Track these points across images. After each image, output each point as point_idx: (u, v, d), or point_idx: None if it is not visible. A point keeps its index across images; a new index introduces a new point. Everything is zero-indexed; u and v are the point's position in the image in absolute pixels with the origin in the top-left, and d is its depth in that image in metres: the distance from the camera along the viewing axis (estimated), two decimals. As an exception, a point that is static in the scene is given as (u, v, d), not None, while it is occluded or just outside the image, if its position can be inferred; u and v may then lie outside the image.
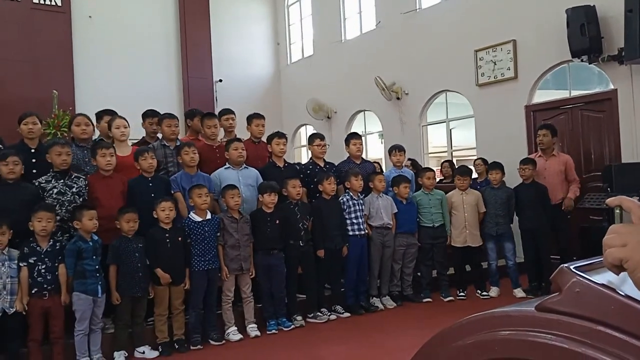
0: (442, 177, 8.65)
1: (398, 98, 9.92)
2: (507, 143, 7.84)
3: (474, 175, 7.37)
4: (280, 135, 5.62)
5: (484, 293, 6.02)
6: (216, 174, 5.22)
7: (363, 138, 11.29)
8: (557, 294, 0.94)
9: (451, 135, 9.62)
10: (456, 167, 8.30)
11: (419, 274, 6.09)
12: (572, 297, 0.90)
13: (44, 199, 4.26)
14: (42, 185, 4.34)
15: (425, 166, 7.73)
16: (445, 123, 9.61)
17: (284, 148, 5.62)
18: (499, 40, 8.12)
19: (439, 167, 9.13)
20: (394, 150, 6.34)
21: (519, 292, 5.94)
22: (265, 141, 5.80)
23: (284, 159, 5.68)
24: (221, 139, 5.86)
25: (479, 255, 6.15)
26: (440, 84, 9.26)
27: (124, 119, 5.19)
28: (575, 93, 7.48)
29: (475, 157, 8.13)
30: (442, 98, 9.54)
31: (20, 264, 3.95)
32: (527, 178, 6.02)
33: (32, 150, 4.58)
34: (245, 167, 5.30)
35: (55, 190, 4.36)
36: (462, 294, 5.99)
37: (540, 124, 6.81)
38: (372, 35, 10.82)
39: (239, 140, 5.44)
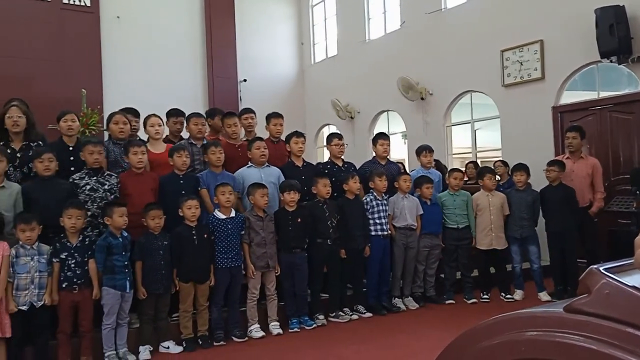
0: (467, 178, 8.58)
1: (422, 98, 9.86)
2: (534, 144, 7.74)
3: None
4: (298, 134, 5.64)
5: (508, 296, 5.95)
6: (239, 172, 5.27)
7: (389, 139, 11.35)
8: (585, 295, 0.93)
9: (476, 136, 9.53)
10: (480, 168, 8.23)
11: (442, 275, 6.06)
12: (602, 299, 0.90)
13: (77, 196, 4.36)
14: (75, 182, 4.44)
15: (453, 167, 7.65)
16: (469, 124, 9.52)
17: (303, 147, 5.64)
18: (526, 40, 8.02)
19: (464, 168, 9.05)
20: (424, 150, 6.30)
21: (544, 296, 5.86)
22: (284, 140, 5.82)
23: (303, 158, 5.70)
24: (241, 139, 5.91)
25: (503, 257, 6.08)
26: (465, 84, 9.19)
27: (159, 117, 5.28)
28: (604, 94, 7.35)
29: (499, 159, 8.06)
30: (467, 98, 9.46)
31: (53, 260, 4.04)
32: (553, 180, 5.93)
33: (70, 148, 4.68)
34: (267, 165, 5.35)
35: (88, 187, 4.46)
36: (485, 296, 5.93)
37: (569, 126, 6.69)
38: (396, 35, 10.78)
39: (261, 139, 5.49)
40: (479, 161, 9.24)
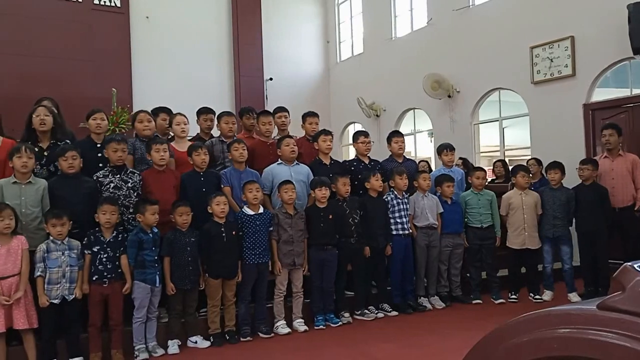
0: (495, 177, 8.47)
1: (449, 96, 9.77)
2: (564, 143, 7.60)
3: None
4: (326, 132, 5.66)
5: (537, 296, 5.86)
6: (269, 169, 5.32)
7: (412, 136, 11.31)
8: (619, 292, 0.92)
9: (504, 134, 9.40)
10: (509, 167, 8.12)
11: (468, 275, 6.00)
12: (636, 296, 0.89)
13: (101, 193, 4.45)
14: (100, 179, 4.53)
15: (477, 166, 7.58)
16: (497, 122, 9.40)
17: (331, 145, 5.66)
18: (556, 37, 7.87)
19: (491, 167, 8.94)
20: (445, 149, 6.25)
21: (574, 297, 5.75)
22: (314, 138, 5.85)
23: (330, 156, 5.71)
24: (274, 137, 5.97)
25: (535, 257, 5.98)
26: (494, 81, 9.07)
27: (184, 115, 5.37)
28: (636, 91, 7.17)
29: (529, 157, 7.93)
30: (495, 96, 9.34)
31: (85, 252, 4.14)
32: (586, 179, 5.81)
33: (98, 145, 4.77)
34: (296, 163, 5.38)
35: (112, 185, 4.54)
36: (513, 296, 5.85)
37: (604, 123, 6.51)
38: (423, 33, 10.70)
39: (291, 136, 5.54)
40: (507, 160, 9.11)
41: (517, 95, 8.75)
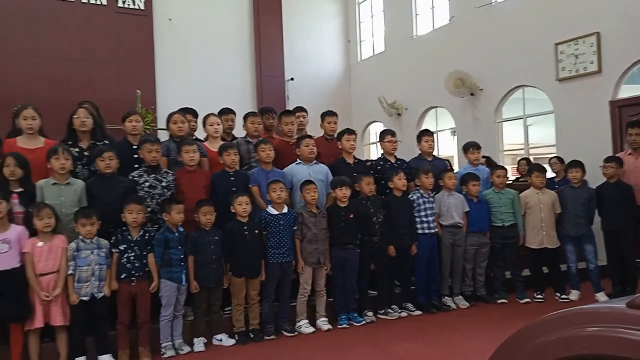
0: (519, 176, 8.38)
1: (472, 94, 9.69)
2: (590, 140, 7.48)
3: (551, 174, 7.09)
4: (350, 131, 5.66)
5: (563, 296, 5.78)
6: (288, 169, 5.36)
7: (434, 135, 11.22)
8: (649, 291, 0.92)
9: (528, 132, 9.28)
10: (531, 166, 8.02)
11: (492, 274, 5.94)
12: (667, 294, 0.88)
13: (137, 192, 4.54)
14: (135, 179, 4.64)
15: (500, 164, 7.51)
16: (522, 119, 9.29)
17: (354, 144, 5.67)
18: (581, 33, 7.75)
19: (516, 165, 8.84)
20: (471, 147, 6.20)
21: (601, 296, 5.66)
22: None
23: (354, 155, 5.72)
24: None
25: (556, 257, 5.91)
26: (518, 79, 8.97)
27: (217, 116, 5.44)
28: (665, 87, 7.02)
29: (553, 155, 7.83)
30: (519, 93, 9.23)
31: (113, 250, 4.23)
32: (610, 177, 5.72)
33: (134, 146, 4.87)
34: (315, 162, 5.40)
35: (147, 184, 4.64)
36: (539, 296, 5.78)
37: (631, 121, 6.39)
38: (444, 31, 10.63)
39: (310, 136, 5.56)
40: (531, 158, 9.00)
41: (541, 92, 8.63)
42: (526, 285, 5.85)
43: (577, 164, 5.88)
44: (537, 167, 6.14)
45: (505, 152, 9.87)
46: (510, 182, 7.12)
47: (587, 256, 5.79)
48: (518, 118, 9.40)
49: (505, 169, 6.23)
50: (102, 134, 4.99)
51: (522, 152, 9.45)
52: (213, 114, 5.51)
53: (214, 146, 5.27)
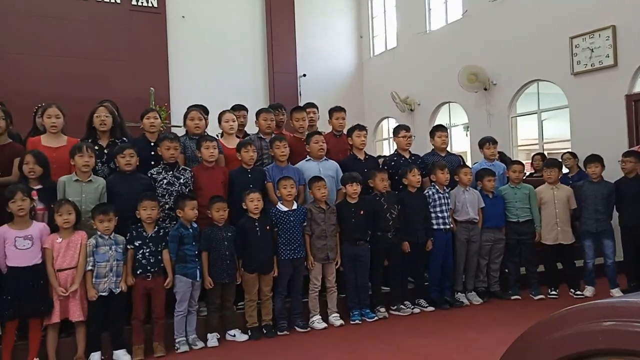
0: (533, 171, 8.31)
1: (485, 89, 9.62)
2: (606, 135, 7.39)
3: (564, 170, 7.02)
4: (360, 127, 5.64)
5: (578, 292, 5.73)
6: (298, 166, 5.35)
7: (447, 130, 11.15)
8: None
9: (543, 127, 9.19)
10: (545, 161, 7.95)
11: (506, 270, 5.91)
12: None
13: (155, 189, 4.59)
14: (153, 176, 4.68)
15: (514, 160, 7.44)
16: (536, 114, 9.20)
17: (365, 140, 5.65)
18: (597, 26, 7.65)
19: (530, 161, 8.77)
20: (487, 142, 6.15)
21: (616, 292, 5.60)
22: (346, 134, 5.84)
23: (365, 152, 5.70)
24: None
25: (571, 253, 5.85)
26: (532, 73, 8.88)
27: (233, 113, 5.46)
28: (682, 81, 6.91)
29: (568, 150, 7.75)
30: (533, 88, 9.14)
31: (128, 246, 4.28)
32: (629, 171, 5.65)
33: (152, 144, 4.92)
34: (325, 159, 5.40)
35: (165, 181, 4.68)
36: (553, 292, 5.74)
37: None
38: (458, 25, 10.56)
39: (319, 133, 5.55)
40: (546, 153, 8.92)
41: (556, 87, 8.54)
42: (540, 281, 5.80)
43: (596, 159, 5.79)
44: (549, 163, 6.07)
45: (520, 148, 9.79)
46: (525, 177, 7.05)
47: (605, 251, 5.72)
48: (532, 113, 9.31)
49: (522, 164, 6.17)
50: (121, 132, 5.05)
51: (536, 147, 9.36)
52: (228, 111, 5.53)
53: (229, 143, 5.29)
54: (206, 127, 5.76)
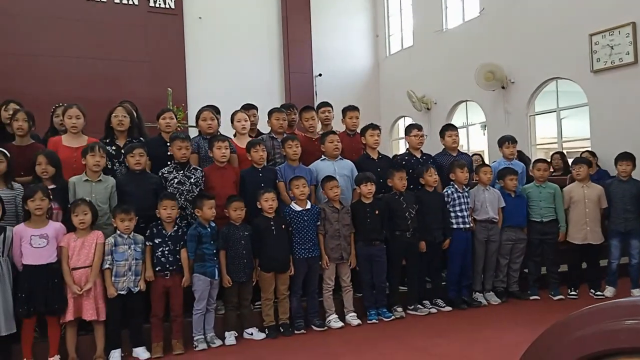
0: (552, 170, 8.21)
1: (503, 87, 9.54)
2: (626, 133, 7.28)
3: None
4: (374, 126, 5.62)
5: (598, 293, 5.65)
6: (313, 165, 5.36)
7: (465, 129, 11.10)
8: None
9: (561, 125, 9.08)
10: (568, 159, 7.87)
11: (525, 270, 5.84)
12: None
13: (166, 188, 4.63)
14: (164, 175, 4.73)
15: (538, 158, 7.33)
16: (555, 113, 9.09)
17: (378, 140, 5.62)
18: (617, 23, 7.55)
19: (549, 160, 8.66)
20: (507, 141, 6.08)
21: (637, 292, 5.52)
22: (359, 133, 5.82)
23: (378, 151, 5.68)
24: (318, 132, 5.99)
25: (598, 253, 5.75)
26: (551, 71, 8.79)
27: (245, 112, 5.49)
28: None
29: (588, 149, 7.66)
30: (552, 86, 9.04)
31: (147, 243, 4.33)
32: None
33: (168, 144, 4.96)
34: (340, 158, 5.39)
35: (176, 181, 4.73)
36: (573, 292, 5.66)
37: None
38: (475, 23, 10.48)
39: (334, 132, 5.54)
40: (565, 152, 8.81)
41: (575, 84, 8.44)
42: (560, 281, 5.73)
43: (628, 157, 5.65)
44: (577, 159, 5.97)
45: (538, 146, 9.69)
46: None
47: (631, 251, 5.60)
48: (551, 111, 9.21)
49: (547, 162, 6.08)
50: (139, 132, 5.11)
51: (555, 146, 9.26)
52: (241, 111, 5.55)
53: (242, 142, 5.31)
54: (218, 127, 5.78)
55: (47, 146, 4.71)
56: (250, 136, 5.65)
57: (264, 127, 6.15)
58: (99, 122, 5.02)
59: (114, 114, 4.89)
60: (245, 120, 5.45)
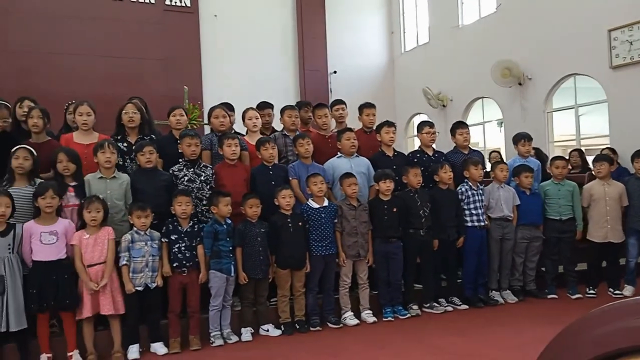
0: (571, 167, 8.12)
1: (520, 84, 9.44)
2: (646, 130, 7.17)
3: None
4: (389, 124, 5.59)
5: (617, 292, 5.58)
6: (329, 163, 5.35)
7: (481, 126, 11.02)
8: None
9: (579, 122, 8.97)
10: (586, 156, 7.77)
11: (543, 268, 5.79)
12: None
13: (177, 186, 4.66)
14: (175, 173, 4.75)
15: (556, 155, 7.25)
16: (573, 109, 8.98)
17: (394, 137, 5.60)
18: (636, 18, 7.44)
19: (567, 157, 8.56)
20: (522, 139, 6.01)
21: (657, 291, 5.44)
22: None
23: (394, 148, 5.66)
24: (333, 130, 5.98)
25: (618, 251, 5.67)
26: (568, 67, 8.68)
27: (256, 110, 5.51)
28: None
29: (607, 146, 7.55)
30: (569, 82, 8.93)
31: (163, 240, 4.36)
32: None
33: (179, 141, 4.99)
34: (356, 155, 5.38)
35: (186, 178, 4.75)
36: (592, 291, 5.60)
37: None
38: (491, 19, 10.39)
39: (351, 130, 5.53)
40: (583, 149, 8.70)
41: (594, 81, 8.33)
42: (578, 280, 5.67)
43: None
44: (598, 157, 5.89)
45: (556, 144, 9.58)
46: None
47: (650, 249, 5.54)
48: (569, 108, 9.10)
49: (565, 160, 6.00)
50: (149, 129, 5.13)
51: (573, 143, 9.15)
52: (252, 108, 5.55)
53: (253, 140, 5.31)
54: (232, 124, 5.81)
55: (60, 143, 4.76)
56: (264, 134, 5.66)
57: (279, 124, 6.16)
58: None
59: (124, 111, 4.93)
60: (257, 118, 5.45)
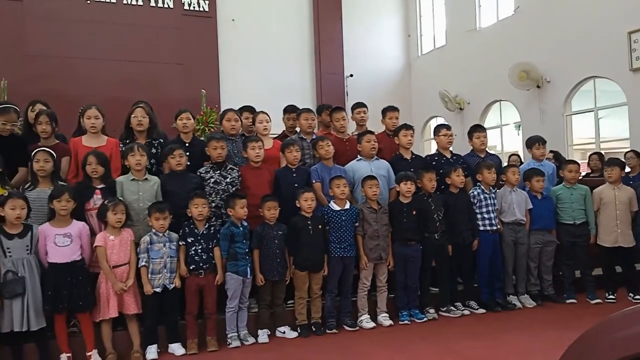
0: (590, 171, 8.02)
1: (538, 86, 9.37)
2: (667, 133, 7.06)
3: (627, 169, 6.73)
4: (407, 127, 5.60)
5: (637, 297, 5.50)
6: (349, 165, 5.36)
7: (499, 130, 10.94)
8: None
9: (599, 125, 8.86)
10: (606, 160, 7.66)
11: (560, 273, 5.72)
12: None
13: (204, 188, 4.71)
14: (202, 175, 4.82)
15: (569, 159, 7.20)
16: (592, 112, 8.88)
17: (412, 140, 5.60)
18: (657, 20, 7.33)
19: (586, 160, 8.47)
20: (536, 142, 5.98)
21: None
22: (394, 133, 5.80)
23: (412, 151, 5.66)
24: (353, 132, 5.99)
25: (631, 256, 5.61)
26: (588, 69, 8.60)
27: (266, 113, 5.54)
28: None
29: (627, 150, 7.44)
30: (589, 85, 8.83)
31: (180, 243, 4.41)
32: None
33: (187, 144, 5.06)
34: (376, 158, 5.39)
35: (212, 180, 4.80)
36: (611, 296, 5.53)
37: None
38: (509, 22, 10.34)
39: (371, 132, 5.54)
40: (603, 152, 8.59)
41: (614, 83, 8.23)
42: (597, 285, 5.60)
43: None
44: (610, 161, 5.84)
45: (575, 147, 9.48)
46: (580, 177, 6.82)
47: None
48: (588, 111, 9.01)
49: (578, 164, 5.94)
50: (157, 132, 5.19)
51: (592, 146, 9.04)
52: (262, 112, 5.57)
53: (265, 143, 5.33)
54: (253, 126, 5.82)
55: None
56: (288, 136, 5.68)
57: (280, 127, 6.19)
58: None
59: (133, 115, 4.99)
60: (267, 122, 5.48)
